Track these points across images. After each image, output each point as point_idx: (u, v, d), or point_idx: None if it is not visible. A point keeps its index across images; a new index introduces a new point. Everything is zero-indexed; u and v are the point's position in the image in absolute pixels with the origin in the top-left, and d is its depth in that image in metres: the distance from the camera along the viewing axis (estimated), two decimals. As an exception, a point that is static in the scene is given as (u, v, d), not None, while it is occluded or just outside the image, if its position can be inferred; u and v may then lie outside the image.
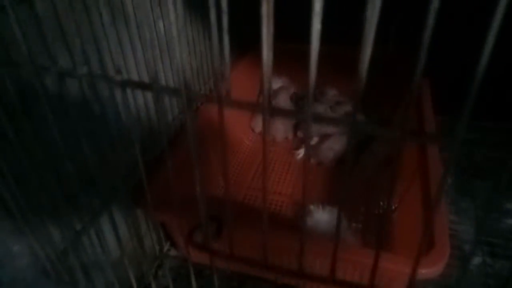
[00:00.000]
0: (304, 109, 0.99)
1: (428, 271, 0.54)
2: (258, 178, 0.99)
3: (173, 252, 0.85)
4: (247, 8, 0.86)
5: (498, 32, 0.16)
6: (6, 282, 0.47)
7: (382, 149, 1.01)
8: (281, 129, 1.10)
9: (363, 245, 0.82)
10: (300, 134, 1.10)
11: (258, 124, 1.13)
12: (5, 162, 0.41)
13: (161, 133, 0.42)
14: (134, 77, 0.63)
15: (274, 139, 1.12)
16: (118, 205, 0.70)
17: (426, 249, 0.57)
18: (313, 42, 0.19)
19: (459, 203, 1.00)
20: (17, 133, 0.37)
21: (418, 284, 0.77)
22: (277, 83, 1.18)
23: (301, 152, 1.06)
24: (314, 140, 1.06)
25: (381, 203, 0.93)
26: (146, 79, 0.66)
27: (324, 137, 1.05)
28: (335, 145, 1.03)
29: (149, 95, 0.69)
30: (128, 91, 0.37)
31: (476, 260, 0.86)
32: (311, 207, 0.86)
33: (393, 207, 0.90)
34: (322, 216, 0.84)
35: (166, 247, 0.84)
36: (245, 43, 1.07)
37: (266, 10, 0.18)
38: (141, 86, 0.26)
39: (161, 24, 0.70)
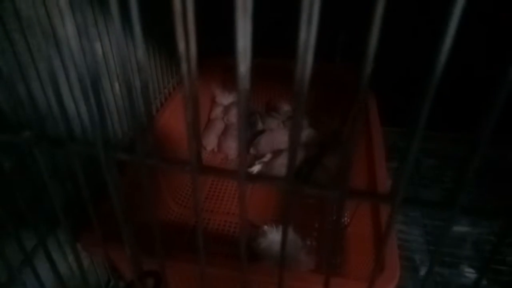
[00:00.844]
0: (257, 124, 0.96)
1: (380, 293, 0.54)
2: (211, 199, 0.96)
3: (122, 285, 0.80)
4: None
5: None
6: None
7: (334, 162, 1.02)
8: (233, 147, 1.08)
9: (317, 265, 0.82)
10: (253, 151, 1.09)
11: (210, 141, 1.10)
12: None
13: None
14: (71, 106, 0.59)
15: (227, 157, 1.10)
16: (57, 241, 0.65)
17: (376, 273, 0.58)
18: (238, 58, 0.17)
19: (407, 212, 1.03)
20: None
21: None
22: (228, 99, 1.16)
23: (255, 169, 1.04)
24: (267, 157, 1.05)
25: (334, 217, 0.94)
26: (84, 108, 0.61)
27: (276, 153, 1.05)
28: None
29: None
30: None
31: (425, 269, 0.89)
32: (265, 227, 0.85)
33: (346, 222, 0.91)
34: (276, 237, 0.82)
35: (113, 280, 0.79)
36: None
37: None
38: (54, 144, 0.23)
39: (98, 45, 0.66)
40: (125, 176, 0.69)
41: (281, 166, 1.02)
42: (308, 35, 0.16)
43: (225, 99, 1.15)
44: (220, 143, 1.10)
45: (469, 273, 0.88)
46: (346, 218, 0.92)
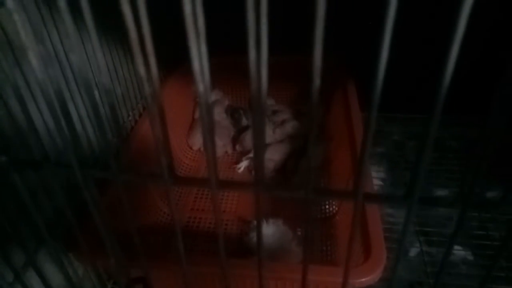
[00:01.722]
0: (241, 120, 0.97)
1: (367, 279, 0.56)
2: (201, 198, 0.97)
3: (117, 289, 0.81)
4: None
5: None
6: None
7: (318, 152, 1.03)
8: (219, 144, 1.09)
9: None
10: (239, 148, 1.10)
11: (196, 141, 1.11)
12: None
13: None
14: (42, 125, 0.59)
15: (213, 154, 1.11)
16: (49, 252, 0.65)
17: (363, 258, 0.59)
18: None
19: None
20: None
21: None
22: (211, 97, 1.16)
23: (242, 166, 1.05)
24: (253, 153, 1.06)
25: (323, 207, 0.96)
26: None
27: (262, 148, 1.06)
28: (274, 155, 1.04)
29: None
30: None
31: (414, 250, 0.91)
32: (255, 222, 0.86)
33: (334, 211, 0.93)
34: (266, 230, 0.84)
35: (109, 285, 0.79)
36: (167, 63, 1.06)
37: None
38: (30, 167, 0.23)
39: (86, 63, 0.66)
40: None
41: (267, 161, 1.03)
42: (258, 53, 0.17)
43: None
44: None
45: (457, 250, 0.91)
46: (334, 207, 0.93)
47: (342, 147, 0.93)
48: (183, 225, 0.91)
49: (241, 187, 0.22)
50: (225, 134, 1.11)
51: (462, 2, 0.15)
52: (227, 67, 1.12)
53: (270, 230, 0.84)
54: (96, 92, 0.22)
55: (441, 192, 1.02)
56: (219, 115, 1.14)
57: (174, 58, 1.06)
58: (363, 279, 0.56)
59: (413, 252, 0.91)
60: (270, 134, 1.09)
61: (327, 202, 0.95)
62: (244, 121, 1.14)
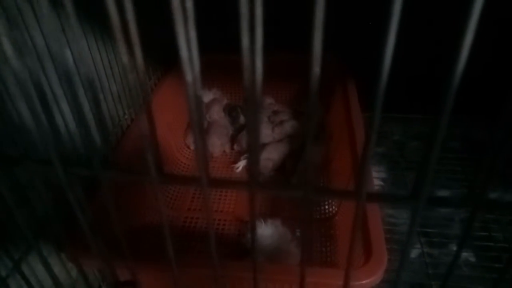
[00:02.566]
0: (239, 118, 0.95)
1: (368, 281, 0.54)
2: (198, 198, 0.96)
3: None
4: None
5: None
6: None
7: (317, 152, 1.02)
8: (217, 143, 1.07)
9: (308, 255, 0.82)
10: (237, 147, 1.08)
11: (192, 141, 1.09)
12: None
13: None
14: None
15: (211, 154, 1.09)
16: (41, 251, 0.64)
17: (364, 260, 0.58)
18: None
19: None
20: None
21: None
22: (208, 96, 1.15)
23: (240, 165, 1.04)
24: (248, 148, 1.04)
25: (322, 207, 0.94)
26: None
27: (260, 147, 1.04)
28: (272, 154, 1.02)
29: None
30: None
31: (415, 252, 0.90)
32: (254, 222, 0.85)
33: (333, 211, 0.91)
34: (264, 231, 0.82)
35: (103, 287, 0.78)
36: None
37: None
38: (10, 163, 0.22)
39: (68, 54, 0.65)
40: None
41: (266, 160, 1.01)
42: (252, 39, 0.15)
43: (205, 96, 1.14)
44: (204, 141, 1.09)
45: (458, 252, 0.89)
46: (333, 207, 0.92)
47: (342, 146, 0.92)
48: (179, 225, 0.90)
49: (234, 185, 0.21)
50: (223, 133, 1.09)
51: (473, 3, 0.14)
52: (225, 65, 1.10)
53: (268, 231, 0.83)
54: (79, 83, 0.20)
55: (442, 193, 1.01)
56: (217, 114, 1.12)
57: (172, 56, 1.05)
58: (364, 282, 0.54)
59: (414, 253, 0.90)
60: (269, 133, 1.08)
61: (326, 203, 0.94)
62: (242, 119, 1.12)
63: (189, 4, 0.15)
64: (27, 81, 0.20)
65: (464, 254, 0.88)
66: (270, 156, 1.02)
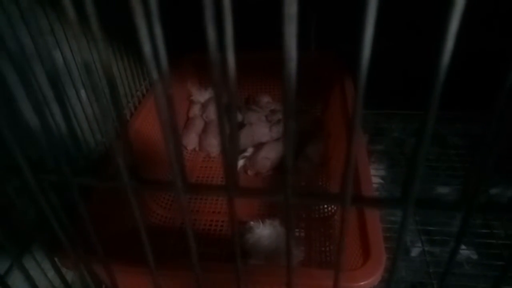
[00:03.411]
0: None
1: (366, 282, 0.53)
2: (196, 199, 0.94)
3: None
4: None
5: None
6: None
7: (316, 150, 1.01)
8: (214, 143, 1.06)
9: (306, 255, 0.81)
10: (243, 138, 1.07)
11: (190, 140, 1.08)
12: None
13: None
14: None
15: (208, 154, 1.08)
16: (34, 258, 0.63)
17: (362, 260, 0.57)
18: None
19: (394, 194, 1.03)
20: None
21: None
22: (204, 96, 1.14)
23: (238, 165, 1.03)
24: (249, 151, 1.03)
25: (321, 206, 0.93)
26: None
27: (258, 147, 1.03)
28: (270, 153, 1.01)
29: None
30: None
31: (416, 250, 0.88)
32: (252, 223, 0.84)
33: (332, 210, 0.90)
34: (262, 231, 0.81)
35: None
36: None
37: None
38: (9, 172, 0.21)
39: (58, 54, 0.64)
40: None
41: (264, 159, 1.00)
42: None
43: (202, 96, 1.13)
44: (201, 141, 1.08)
45: (460, 250, 0.88)
46: (333, 206, 0.91)
47: (340, 144, 0.90)
48: (177, 227, 0.89)
49: (212, 191, 0.19)
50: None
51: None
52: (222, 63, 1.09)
53: (266, 231, 0.82)
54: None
55: (442, 190, 0.99)
56: (214, 113, 1.10)
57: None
58: (362, 283, 0.53)
59: (414, 252, 0.88)
60: (267, 132, 1.07)
61: (325, 202, 0.92)
62: (239, 118, 1.11)
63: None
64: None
65: (466, 252, 0.87)
66: (268, 155, 1.00)
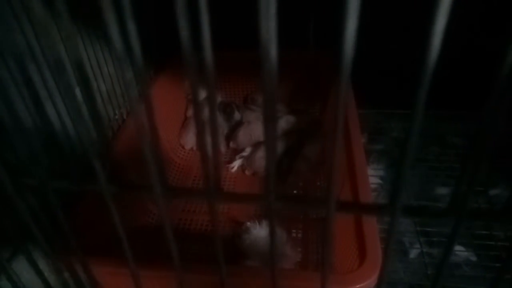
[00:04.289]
0: (233, 114, 0.92)
1: (362, 285, 0.52)
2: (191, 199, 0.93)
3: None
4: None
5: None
6: None
7: (314, 150, 1.00)
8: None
9: (303, 257, 0.80)
10: (233, 144, 1.06)
11: (188, 140, 1.07)
12: None
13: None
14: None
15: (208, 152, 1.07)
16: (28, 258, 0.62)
17: (358, 262, 0.56)
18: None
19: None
20: None
21: None
22: (202, 94, 1.12)
23: (235, 165, 1.02)
24: (247, 151, 1.02)
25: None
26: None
27: (256, 146, 1.02)
28: (268, 153, 1.00)
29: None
30: None
31: (415, 252, 0.88)
32: (248, 224, 0.83)
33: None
34: (259, 233, 0.80)
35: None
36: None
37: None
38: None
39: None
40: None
41: (261, 159, 0.99)
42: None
43: (200, 95, 1.12)
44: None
45: (459, 251, 0.87)
46: (330, 207, 0.90)
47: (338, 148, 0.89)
48: (173, 227, 0.88)
49: (192, 195, 0.19)
50: (218, 132, 1.07)
51: None
52: (219, 63, 1.08)
53: (263, 232, 0.81)
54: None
55: (441, 191, 0.98)
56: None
57: (164, 54, 1.03)
58: (357, 286, 0.52)
59: (413, 253, 0.88)
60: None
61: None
62: (237, 116, 1.10)
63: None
64: None
65: (465, 254, 0.86)
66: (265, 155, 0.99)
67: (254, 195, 0.18)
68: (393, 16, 1.05)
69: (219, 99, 1.15)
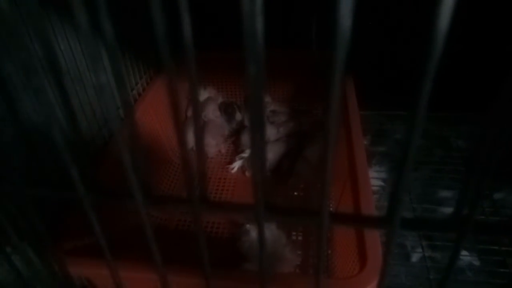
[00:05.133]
0: (235, 114, 0.91)
1: (362, 291, 0.51)
2: (191, 200, 0.92)
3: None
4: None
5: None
6: None
7: (315, 152, 0.98)
8: (212, 143, 1.04)
9: (302, 260, 0.79)
10: (237, 145, 1.05)
11: (188, 141, 1.06)
12: None
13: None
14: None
15: (206, 154, 1.06)
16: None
17: (359, 267, 0.55)
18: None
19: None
20: None
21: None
22: (203, 95, 1.12)
23: (235, 166, 1.01)
24: (247, 152, 1.01)
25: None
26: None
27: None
28: (268, 154, 0.99)
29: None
30: None
31: (416, 256, 0.86)
32: (247, 226, 0.82)
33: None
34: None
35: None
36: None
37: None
38: None
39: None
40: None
41: (262, 160, 0.98)
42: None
43: (200, 95, 1.11)
44: (199, 141, 1.06)
45: (462, 256, 0.85)
46: (330, 208, 0.88)
47: (340, 145, 0.88)
48: (172, 228, 0.87)
49: (175, 205, 0.17)
50: (219, 133, 1.06)
51: None
52: (220, 63, 1.07)
53: (264, 234, 0.80)
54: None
55: (445, 194, 0.97)
56: (213, 113, 1.09)
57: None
58: (358, 292, 0.51)
59: (415, 257, 0.86)
60: (267, 132, 1.05)
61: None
62: (239, 116, 1.09)
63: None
64: None
65: (468, 258, 0.84)
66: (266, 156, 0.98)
67: (242, 205, 0.17)
68: (396, 18, 1.04)
69: (219, 99, 1.13)
